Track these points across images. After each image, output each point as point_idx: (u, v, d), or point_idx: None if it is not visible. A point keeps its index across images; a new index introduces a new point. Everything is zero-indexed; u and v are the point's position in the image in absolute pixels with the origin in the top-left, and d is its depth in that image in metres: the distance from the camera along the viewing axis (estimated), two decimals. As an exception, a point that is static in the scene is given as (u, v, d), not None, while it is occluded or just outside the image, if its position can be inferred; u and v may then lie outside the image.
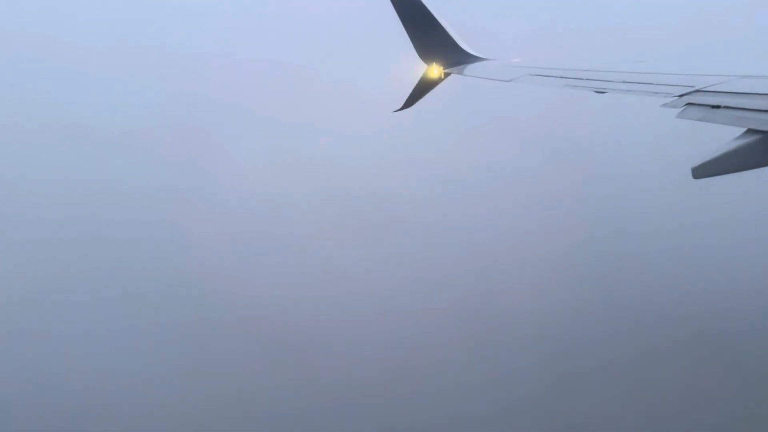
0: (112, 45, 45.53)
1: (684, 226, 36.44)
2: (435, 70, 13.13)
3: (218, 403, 29.20)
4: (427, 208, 40.64)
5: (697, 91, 6.66)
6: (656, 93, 7.15)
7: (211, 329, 33.08)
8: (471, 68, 12.76)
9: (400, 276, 36.25)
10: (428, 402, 28.89)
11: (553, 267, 35.78)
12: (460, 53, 13.07)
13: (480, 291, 34.85)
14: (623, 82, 8.24)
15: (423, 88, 13.33)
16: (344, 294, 35.27)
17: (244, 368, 30.87)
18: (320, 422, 28.29)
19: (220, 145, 43.19)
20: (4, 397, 28.71)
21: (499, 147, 41.99)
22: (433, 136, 42.23)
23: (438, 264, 37.18)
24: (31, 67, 44.64)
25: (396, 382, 29.83)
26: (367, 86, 39.00)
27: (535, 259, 36.33)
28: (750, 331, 29.74)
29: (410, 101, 13.47)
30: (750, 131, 5.35)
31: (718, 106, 6.06)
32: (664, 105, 6.72)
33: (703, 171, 5.27)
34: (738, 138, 5.37)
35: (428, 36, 12.94)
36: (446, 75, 13.07)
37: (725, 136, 5.40)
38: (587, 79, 8.89)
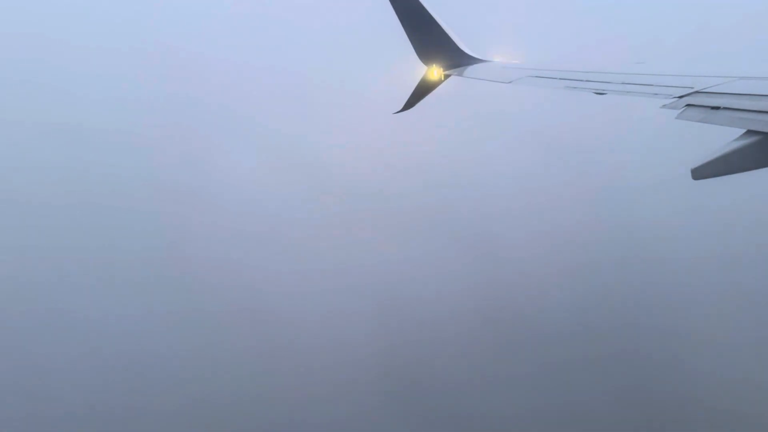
0: (122, 48, 45.64)
1: (683, 226, 36.43)
2: (435, 72, 13.12)
3: (219, 402, 29.19)
4: (427, 208, 40.62)
5: (697, 92, 6.67)
6: (656, 94, 7.16)
7: (210, 329, 33.06)
8: (471, 70, 12.75)
9: (400, 276, 36.24)
10: (426, 402, 28.87)
11: (553, 266, 35.77)
12: (460, 55, 13.07)
13: (479, 290, 34.84)
14: (623, 83, 8.23)
15: (423, 89, 13.33)
16: (343, 294, 35.27)
17: (244, 362, 30.89)
18: (319, 422, 28.28)
19: (220, 146, 43.17)
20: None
21: (499, 148, 41.99)
22: (433, 138, 42.25)
23: (438, 264, 37.18)
24: (32, 67, 44.65)
25: (396, 381, 29.82)
26: (367, 88, 39.07)
27: (534, 258, 36.34)
28: (750, 330, 29.71)
29: (410, 103, 13.47)
30: (749, 132, 5.36)
31: (717, 108, 6.06)
32: (664, 106, 6.73)
33: (702, 172, 5.27)
34: (737, 139, 5.37)
35: (428, 38, 12.94)
36: (446, 77, 13.06)
37: (725, 138, 5.41)
38: (587, 81, 8.89)
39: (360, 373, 30.26)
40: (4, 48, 43.30)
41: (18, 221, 38.35)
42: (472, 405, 28.62)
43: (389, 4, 12.69)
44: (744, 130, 5.42)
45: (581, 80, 9.02)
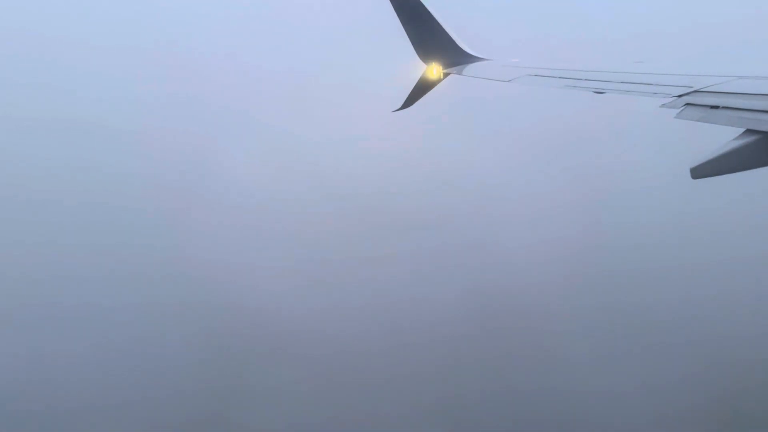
0: (121, 48, 45.68)
1: (683, 225, 36.47)
2: (434, 70, 13.10)
3: (221, 400, 29.18)
4: (426, 206, 40.63)
5: (696, 91, 6.66)
6: (655, 93, 7.15)
7: (210, 328, 33.05)
8: (470, 68, 12.72)
9: (400, 275, 36.24)
10: (426, 401, 28.88)
11: (551, 266, 35.77)
12: (460, 53, 13.04)
13: (478, 289, 34.85)
14: (622, 82, 8.22)
15: (422, 88, 13.30)
16: (343, 292, 35.26)
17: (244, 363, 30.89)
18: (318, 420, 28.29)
19: (220, 145, 43.20)
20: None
21: (498, 147, 42.01)
22: (432, 136, 42.26)
23: (437, 263, 37.18)
24: (34, 66, 44.65)
25: (395, 380, 29.81)
26: (366, 86, 39.08)
27: (533, 257, 36.33)
28: (749, 329, 29.74)
29: (409, 101, 13.44)
30: (749, 131, 5.35)
31: (716, 107, 6.05)
32: (663, 105, 6.72)
33: (701, 171, 5.26)
34: (737, 138, 5.36)
35: (427, 36, 12.91)
36: (445, 75, 13.03)
37: (724, 137, 5.41)
38: (586, 80, 8.88)
39: (359, 373, 30.27)
40: (5, 48, 43.29)
41: (21, 219, 38.39)
42: (473, 405, 28.64)
43: (389, 2, 12.67)
44: (743, 130, 5.41)
45: (580, 79, 9.01)
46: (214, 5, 50.33)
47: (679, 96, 6.68)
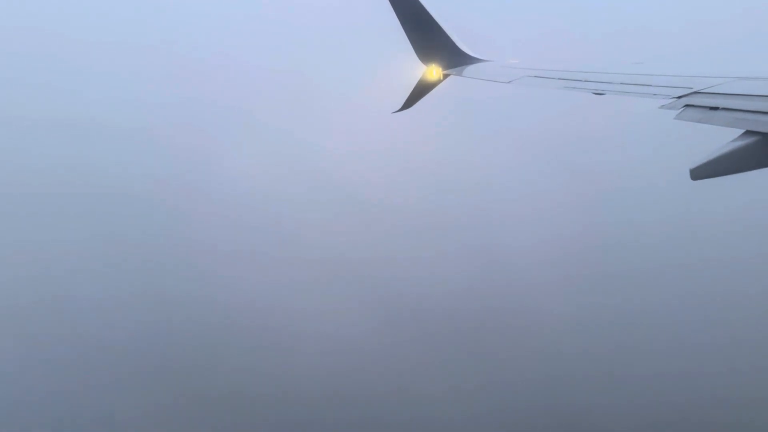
0: (122, 47, 45.73)
1: (682, 226, 36.48)
2: (434, 72, 13.07)
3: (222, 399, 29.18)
4: (426, 207, 40.63)
5: (696, 92, 6.65)
6: (654, 95, 7.13)
7: (209, 329, 33.05)
8: (470, 69, 12.69)
9: (399, 275, 36.24)
10: (426, 401, 28.88)
11: (550, 266, 35.78)
12: (459, 54, 13.01)
13: (478, 289, 34.86)
14: (621, 83, 8.20)
15: (422, 89, 13.27)
16: (342, 292, 35.27)
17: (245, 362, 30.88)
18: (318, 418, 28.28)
19: (220, 146, 43.20)
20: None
21: (498, 148, 42.02)
22: (431, 137, 42.27)
23: (437, 263, 37.18)
24: (38, 65, 44.69)
25: (395, 380, 29.82)
26: (366, 87, 39.05)
27: (533, 257, 36.34)
28: (749, 329, 29.74)
29: (409, 102, 13.41)
30: (748, 133, 5.34)
31: (716, 108, 6.04)
32: (663, 107, 6.70)
33: (701, 172, 5.26)
34: (736, 139, 5.35)
35: (427, 37, 12.88)
36: (445, 76, 13.00)
37: (723, 138, 5.41)
38: (586, 81, 8.86)
39: (357, 374, 30.27)
40: (5, 48, 43.31)
41: (23, 218, 38.41)
42: (473, 405, 28.65)
43: (388, 3, 12.65)
44: (743, 131, 5.40)
45: (580, 80, 8.99)
46: (215, 5, 50.37)
47: (679, 97, 6.67)
